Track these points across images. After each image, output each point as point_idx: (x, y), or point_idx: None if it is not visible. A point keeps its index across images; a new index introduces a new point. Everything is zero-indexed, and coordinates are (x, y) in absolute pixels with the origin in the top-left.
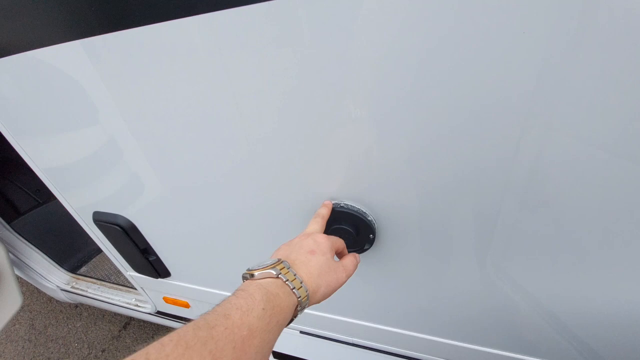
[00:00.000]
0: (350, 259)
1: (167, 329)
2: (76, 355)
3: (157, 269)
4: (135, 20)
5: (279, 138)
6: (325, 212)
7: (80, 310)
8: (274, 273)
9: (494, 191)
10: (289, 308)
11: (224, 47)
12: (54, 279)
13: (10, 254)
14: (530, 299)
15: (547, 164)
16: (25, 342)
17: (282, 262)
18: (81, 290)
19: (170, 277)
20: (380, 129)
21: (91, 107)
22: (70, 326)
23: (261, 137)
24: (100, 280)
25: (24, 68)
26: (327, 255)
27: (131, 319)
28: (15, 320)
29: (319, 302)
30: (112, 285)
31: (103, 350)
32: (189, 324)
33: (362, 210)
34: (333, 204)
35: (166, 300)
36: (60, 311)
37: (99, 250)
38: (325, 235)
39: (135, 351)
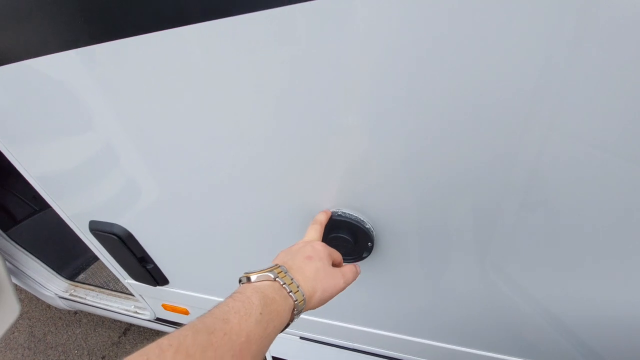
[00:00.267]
0: (350, 267)
1: None
2: None
3: (155, 277)
4: (130, 30)
5: (276, 146)
6: (323, 219)
7: (80, 317)
8: (272, 276)
9: (493, 195)
10: (286, 312)
11: (219, 56)
12: (52, 286)
13: (7, 263)
14: (531, 302)
15: (547, 168)
16: (24, 349)
17: (279, 266)
18: (80, 297)
19: (169, 284)
20: (376, 136)
21: (85, 116)
22: (69, 333)
23: (258, 144)
24: (98, 287)
25: (18, 78)
26: (324, 261)
27: (131, 324)
28: (14, 327)
29: (315, 307)
30: (110, 292)
31: (103, 357)
32: (187, 327)
33: (360, 218)
34: (331, 212)
35: (165, 307)
36: (60, 318)
37: (97, 257)
38: (323, 243)
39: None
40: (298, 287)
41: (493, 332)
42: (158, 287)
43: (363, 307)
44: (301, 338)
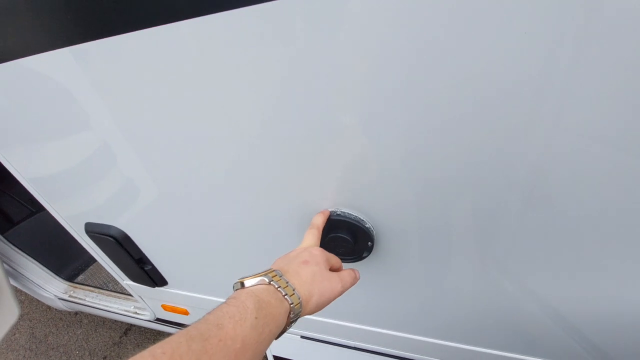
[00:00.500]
0: (348, 272)
1: (168, 335)
2: None
3: (153, 278)
4: (124, 27)
5: (274, 145)
6: (320, 222)
7: (80, 318)
8: (266, 280)
9: (494, 192)
10: (282, 316)
11: (216, 53)
12: (51, 288)
13: (5, 265)
14: (532, 299)
15: (547, 164)
16: (26, 351)
17: (274, 270)
18: (79, 298)
19: (168, 285)
20: (376, 133)
21: (79, 116)
22: (70, 334)
23: (256, 144)
24: (98, 288)
25: (8, 78)
26: (320, 266)
27: (132, 325)
28: (15, 329)
29: (312, 312)
30: (110, 293)
31: (104, 357)
32: (181, 333)
33: (360, 218)
34: (329, 212)
35: (165, 307)
36: (60, 319)
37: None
38: (320, 249)
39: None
40: (294, 290)
41: (494, 329)
42: (157, 288)
43: (364, 306)
44: (302, 337)
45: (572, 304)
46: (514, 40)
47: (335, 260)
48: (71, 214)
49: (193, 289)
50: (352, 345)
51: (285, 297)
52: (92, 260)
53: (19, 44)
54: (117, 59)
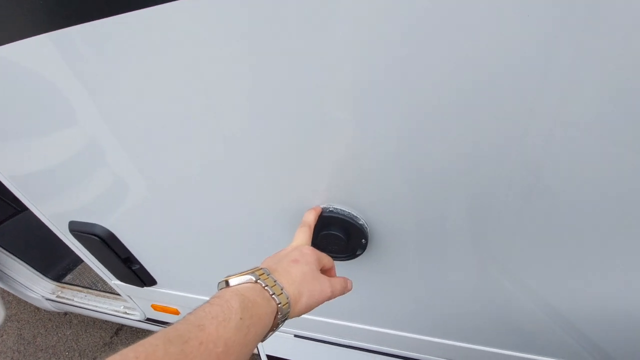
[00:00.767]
0: (340, 279)
1: None
2: None
3: (141, 277)
4: (110, 9)
5: (264, 140)
6: (311, 219)
7: (70, 318)
8: (253, 278)
9: (490, 188)
10: (268, 316)
11: (204, 42)
12: (38, 288)
13: None
14: (528, 296)
15: (543, 161)
16: (14, 352)
17: (261, 268)
18: (67, 299)
19: (157, 285)
20: (369, 127)
21: (62, 109)
22: (59, 335)
23: (245, 139)
24: (86, 288)
25: None
26: (311, 266)
27: (123, 324)
28: (2, 330)
29: (301, 312)
30: (99, 293)
31: (95, 358)
32: (158, 335)
33: (353, 214)
34: (321, 209)
35: (155, 307)
36: (49, 319)
37: None
38: (311, 248)
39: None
40: (282, 289)
41: (489, 327)
42: (146, 288)
43: (358, 304)
44: (295, 336)
45: (569, 301)
46: (512, 28)
47: (327, 260)
48: (55, 213)
49: (183, 288)
50: (346, 344)
51: (273, 296)
52: (80, 259)
53: None
54: (102, 47)
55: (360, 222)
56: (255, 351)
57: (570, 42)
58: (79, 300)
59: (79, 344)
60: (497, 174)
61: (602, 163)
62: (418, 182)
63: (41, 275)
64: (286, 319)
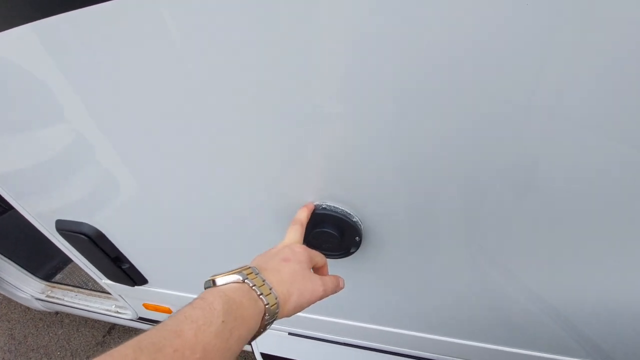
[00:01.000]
0: (332, 278)
1: None
2: None
3: (132, 276)
4: None
5: (256, 137)
6: (303, 217)
7: (61, 317)
8: (240, 278)
9: (484, 185)
10: (254, 318)
11: (200, 31)
12: (28, 288)
13: None
14: (524, 292)
15: (539, 155)
16: (4, 352)
17: (249, 267)
18: (57, 298)
19: (148, 284)
20: (362, 122)
21: (47, 103)
22: (51, 334)
23: (237, 135)
24: (77, 287)
25: None
26: (302, 264)
27: (115, 323)
28: None
29: (291, 313)
30: (89, 292)
31: (87, 358)
32: (130, 343)
33: (346, 211)
34: (314, 206)
35: (146, 306)
36: (40, 319)
37: None
38: (303, 246)
39: None
40: (270, 289)
41: (484, 323)
42: (136, 287)
43: (353, 302)
44: (289, 334)
45: (564, 297)
46: (506, 19)
47: (319, 258)
48: (41, 212)
49: (175, 287)
50: (340, 341)
51: (261, 296)
52: (70, 259)
53: None
54: (88, 38)
55: (354, 220)
56: (249, 349)
57: (565, 35)
58: (70, 300)
59: (70, 343)
60: (490, 171)
61: (594, 157)
62: (412, 179)
63: (30, 275)
64: (275, 319)
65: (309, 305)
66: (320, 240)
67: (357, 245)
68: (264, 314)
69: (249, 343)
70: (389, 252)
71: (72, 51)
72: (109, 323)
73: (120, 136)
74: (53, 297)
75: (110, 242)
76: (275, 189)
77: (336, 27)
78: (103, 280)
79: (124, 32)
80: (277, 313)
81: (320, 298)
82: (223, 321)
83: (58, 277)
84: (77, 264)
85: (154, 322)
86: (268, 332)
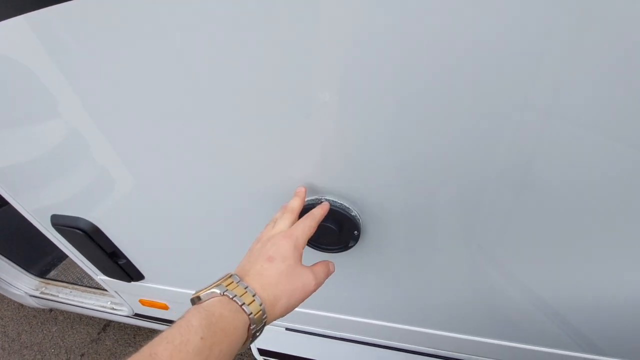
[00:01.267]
0: (321, 265)
1: (148, 330)
2: None
3: (128, 272)
4: None
5: (254, 132)
6: (295, 205)
7: (55, 314)
8: (219, 292)
9: (481, 179)
10: (238, 330)
11: (195, 26)
12: (21, 285)
13: None
14: (520, 287)
15: (535, 152)
16: None
17: (231, 276)
18: (51, 295)
19: (144, 280)
20: (361, 116)
21: (42, 98)
22: (45, 331)
23: (234, 130)
24: (71, 284)
25: None
26: (288, 262)
27: (110, 320)
28: None
29: (281, 315)
30: (84, 288)
31: (82, 355)
32: None
33: (345, 205)
34: (311, 200)
35: (143, 302)
36: (34, 316)
37: None
38: (287, 235)
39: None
40: (254, 295)
41: (482, 317)
42: (133, 282)
43: (351, 296)
44: (287, 329)
45: (561, 292)
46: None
47: (304, 234)
48: (36, 207)
49: (172, 283)
50: (338, 336)
51: (243, 307)
52: (65, 255)
53: None
54: (83, 30)
55: (353, 214)
56: None
57: (563, 34)
58: (64, 297)
59: (65, 340)
60: (488, 167)
61: (589, 156)
62: (411, 173)
63: (24, 272)
64: (263, 326)
65: (302, 301)
66: (320, 234)
67: (356, 239)
68: (249, 324)
69: (240, 351)
70: (388, 246)
71: (67, 45)
72: (104, 320)
73: (117, 131)
74: (47, 294)
75: (106, 237)
76: (274, 184)
77: (337, 25)
78: (99, 277)
79: (117, 26)
80: (264, 319)
81: (314, 291)
82: (202, 337)
83: (52, 273)
84: (71, 261)
85: (150, 318)
86: (266, 328)
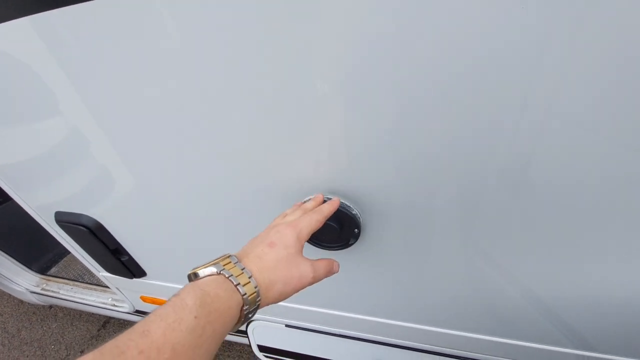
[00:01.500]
0: (324, 262)
1: None
2: (53, 357)
3: (130, 269)
4: None
5: (255, 129)
6: (309, 206)
7: (55, 311)
8: (215, 270)
9: (480, 177)
10: (232, 310)
11: (192, 28)
12: (22, 281)
13: None
14: (518, 285)
15: (532, 152)
16: None
17: (229, 256)
18: (52, 292)
19: (146, 276)
20: (361, 117)
21: (45, 95)
22: (45, 328)
23: (235, 128)
24: (72, 280)
25: None
26: (289, 250)
27: (110, 317)
28: None
29: (276, 301)
30: (85, 285)
31: (82, 351)
32: (97, 349)
33: (346, 204)
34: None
35: (144, 299)
36: (33, 313)
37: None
38: (292, 225)
39: None
40: (250, 277)
41: (481, 315)
42: (135, 279)
43: (350, 293)
44: (287, 326)
45: (558, 290)
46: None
47: (308, 227)
48: (40, 203)
49: (173, 279)
50: (338, 333)
51: (238, 287)
52: (66, 251)
53: None
54: (86, 31)
55: (354, 212)
56: (247, 341)
57: (562, 35)
58: (65, 293)
59: (65, 337)
60: (487, 167)
61: (586, 156)
62: (410, 173)
63: (25, 268)
64: (257, 309)
65: (298, 291)
66: (321, 231)
67: (356, 237)
68: (242, 304)
69: (233, 331)
70: (387, 244)
71: (71, 44)
72: (104, 316)
73: (120, 129)
74: (48, 290)
75: (109, 234)
76: (276, 183)
77: (338, 25)
78: (101, 273)
79: (119, 28)
80: (258, 302)
81: (311, 283)
82: (195, 317)
83: (53, 270)
84: (72, 258)
85: None
86: (265, 324)
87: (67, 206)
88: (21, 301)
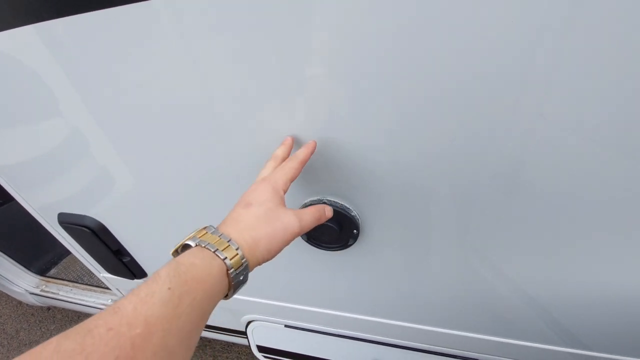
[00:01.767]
0: (311, 209)
1: None
2: None
3: (132, 270)
4: (99, 2)
5: (256, 131)
6: (279, 152)
7: (54, 313)
8: (192, 244)
9: (478, 179)
10: (214, 277)
11: (191, 31)
12: (22, 282)
13: None
14: (514, 285)
15: (528, 154)
16: None
17: (205, 228)
18: (52, 293)
19: (147, 277)
20: (360, 120)
21: (49, 99)
22: (43, 329)
23: (236, 130)
24: (72, 282)
25: None
26: (267, 204)
27: None
28: None
29: (265, 259)
30: (85, 286)
31: None
32: (57, 336)
33: (345, 206)
34: (313, 201)
35: None
36: (32, 314)
37: (68, 251)
38: (266, 182)
39: None
40: (229, 241)
41: (479, 314)
42: (136, 280)
43: (349, 293)
44: (286, 326)
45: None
46: (497, 21)
47: (286, 176)
48: (43, 204)
49: None
50: (337, 333)
51: (216, 252)
52: (65, 253)
53: None
54: (88, 39)
55: (353, 214)
56: (246, 342)
57: (557, 36)
58: (65, 294)
59: None
60: (484, 169)
61: (580, 157)
62: (408, 175)
63: (24, 269)
64: (246, 271)
65: (286, 245)
66: (320, 232)
67: (355, 237)
68: (227, 268)
69: (227, 298)
70: (386, 244)
71: (74, 49)
72: None
73: (123, 130)
74: (48, 292)
75: (112, 235)
76: None
77: (336, 25)
78: (102, 274)
79: (120, 34)
80: (245, 263)
81: (299, 234)
82: (169, 288)
83: (53, 271)
84: (72, 259)
85: None
86: (264, 324)
87: (70, 207)
88: (20, 302)
